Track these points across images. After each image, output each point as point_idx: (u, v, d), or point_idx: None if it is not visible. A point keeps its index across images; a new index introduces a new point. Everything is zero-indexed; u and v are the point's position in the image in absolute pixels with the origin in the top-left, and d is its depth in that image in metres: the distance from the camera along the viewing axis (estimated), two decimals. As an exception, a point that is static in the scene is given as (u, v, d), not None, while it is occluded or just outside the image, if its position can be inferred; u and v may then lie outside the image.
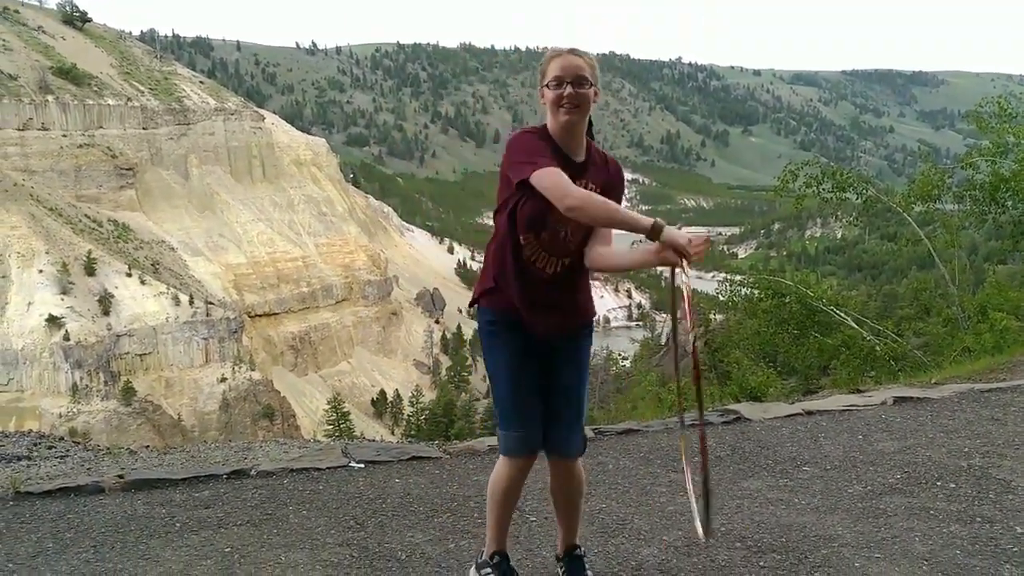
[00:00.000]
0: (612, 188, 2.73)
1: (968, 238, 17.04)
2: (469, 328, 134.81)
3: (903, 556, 3.10)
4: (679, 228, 2.42)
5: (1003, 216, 12.12)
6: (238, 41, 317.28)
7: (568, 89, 2.58)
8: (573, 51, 2.64)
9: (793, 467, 4.21)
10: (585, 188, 2.58)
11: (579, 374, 2.83)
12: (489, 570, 2.85)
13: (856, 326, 12.50)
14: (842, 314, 12.72)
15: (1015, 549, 3.14)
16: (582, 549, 3.00)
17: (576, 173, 2.63)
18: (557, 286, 2.72)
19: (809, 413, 5.29)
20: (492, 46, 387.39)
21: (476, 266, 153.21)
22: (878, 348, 11.88)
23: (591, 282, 2.90)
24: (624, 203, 2.77)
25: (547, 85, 2.61)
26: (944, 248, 13.18)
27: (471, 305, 2.87)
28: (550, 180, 2.48)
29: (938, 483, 3.90)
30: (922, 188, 12.85)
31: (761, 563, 3.07)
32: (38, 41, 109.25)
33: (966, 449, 4.40)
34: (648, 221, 2.40)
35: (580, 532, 3.01)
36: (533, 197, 2.59)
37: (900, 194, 13.77)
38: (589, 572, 2.95)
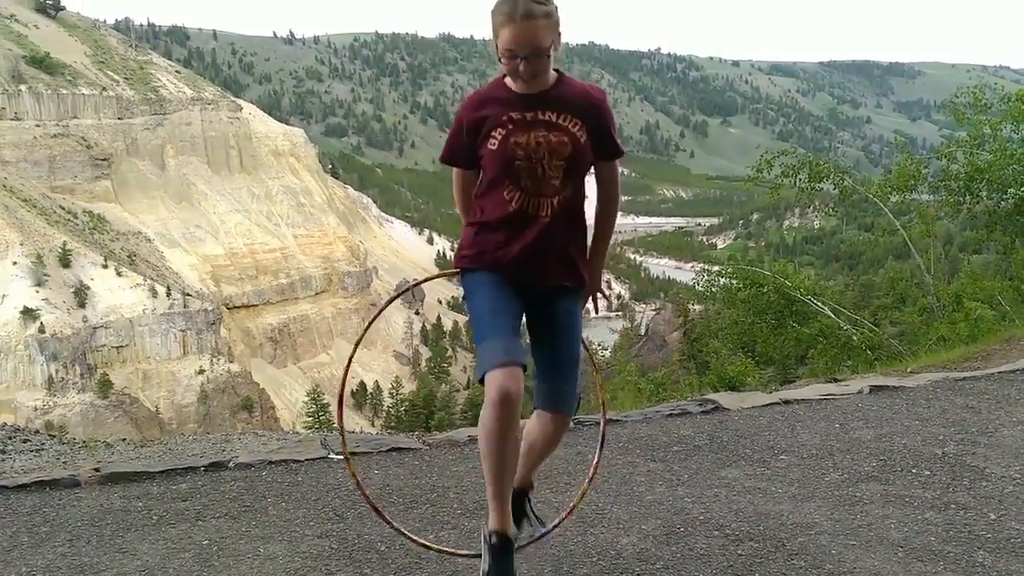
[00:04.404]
0: (589, 119, 2.55)
1: (943, 228, 17.23)
2: (449, 319, 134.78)
3: (879, 543, 3.13)
4: None
5: (978, 206, 12.26)
6: (214, 30, 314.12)
7: (522, 65, 2.40)
8: (527, 14, 2.34)
9: (770, 456, 4.23)
10: (541, 118, 2.48)
11: (571, 332, 2.62)
12: (484, 548, 2.56)
13: (833, 316, 12.62)
14: (819, 304, 12.84)
15: (989, 535, 3.18)
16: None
17: (528, 106, 2.49)
18: (552, 233, 2.52)
19: (786, 402, 5.31)
20: (471, 36, 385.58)
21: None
22: (855, 337, 12.00)
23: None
24: (616, 138, 2.63)
25: (500, 56, 2.42)
26: (920, 238, 13.32)
27: (457, 269, 2.65)
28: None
29: (913, 471, 3.94)
30: (899, 179, 12.98)
31: (739, 551, 3.09)
32: (10, 30, 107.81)
33: (941, 437, 4.44)
34: None
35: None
36: (487, 153, 2.51)
37: (877, 184, 13.90)
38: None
